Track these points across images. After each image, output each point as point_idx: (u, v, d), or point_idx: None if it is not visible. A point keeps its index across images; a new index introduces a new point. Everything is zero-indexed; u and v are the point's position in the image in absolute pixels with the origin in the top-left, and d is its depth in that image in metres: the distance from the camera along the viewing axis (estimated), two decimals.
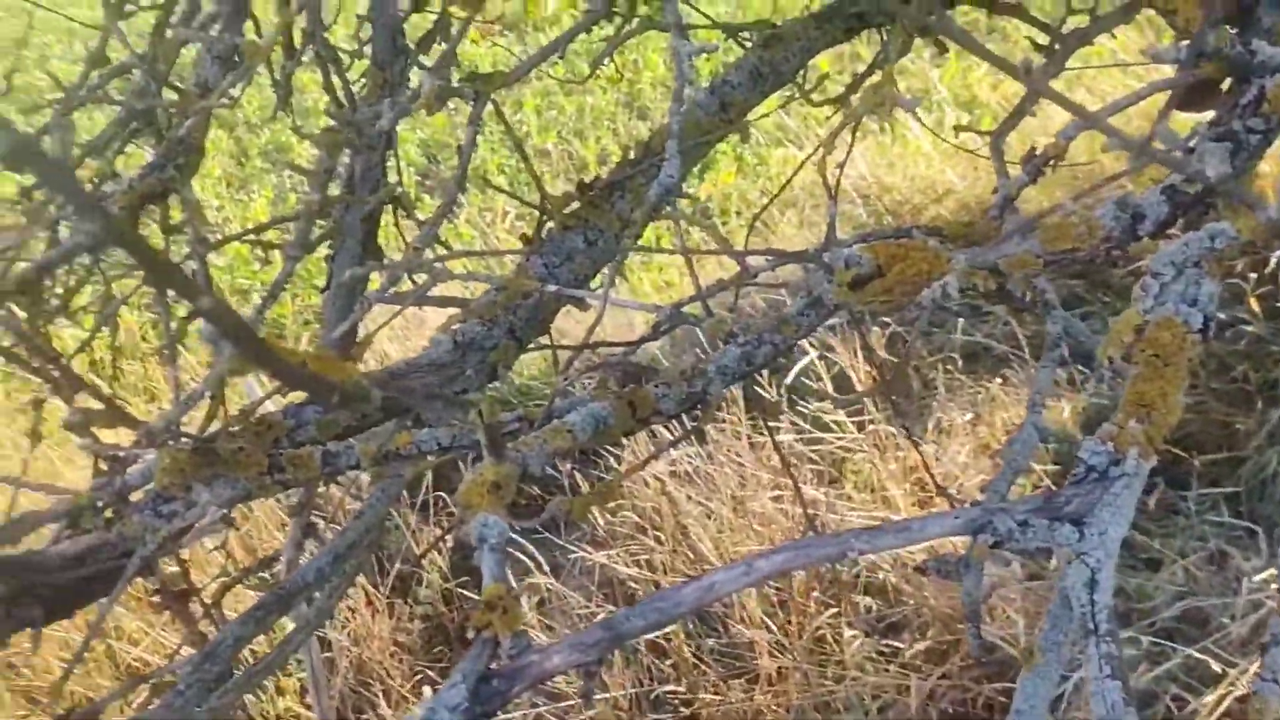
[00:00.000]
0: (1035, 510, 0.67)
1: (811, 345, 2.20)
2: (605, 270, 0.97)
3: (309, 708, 2.14)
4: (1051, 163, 0.78)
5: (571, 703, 1.81)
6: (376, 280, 1.23)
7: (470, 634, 0.61)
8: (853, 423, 2.05)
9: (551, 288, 0.96)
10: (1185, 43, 0.77)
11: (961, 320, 2.71)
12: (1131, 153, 0.58)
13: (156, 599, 1.10)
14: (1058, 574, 0.68)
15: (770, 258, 0.84)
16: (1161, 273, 0.67)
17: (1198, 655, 1.75)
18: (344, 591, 1.00)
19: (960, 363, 2.50)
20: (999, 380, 2.41)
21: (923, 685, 1.57)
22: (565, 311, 1.16)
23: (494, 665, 0.60)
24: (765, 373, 2.23)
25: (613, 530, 2.06)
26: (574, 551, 2.07)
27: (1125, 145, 0.58)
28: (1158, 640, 1.80)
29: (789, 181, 1.11)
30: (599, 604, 2.00)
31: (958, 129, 1.09)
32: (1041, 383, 0.90)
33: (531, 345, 0.99)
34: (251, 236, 1.18)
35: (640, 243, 1.01)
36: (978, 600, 0.68)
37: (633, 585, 1.99)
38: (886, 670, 1.61)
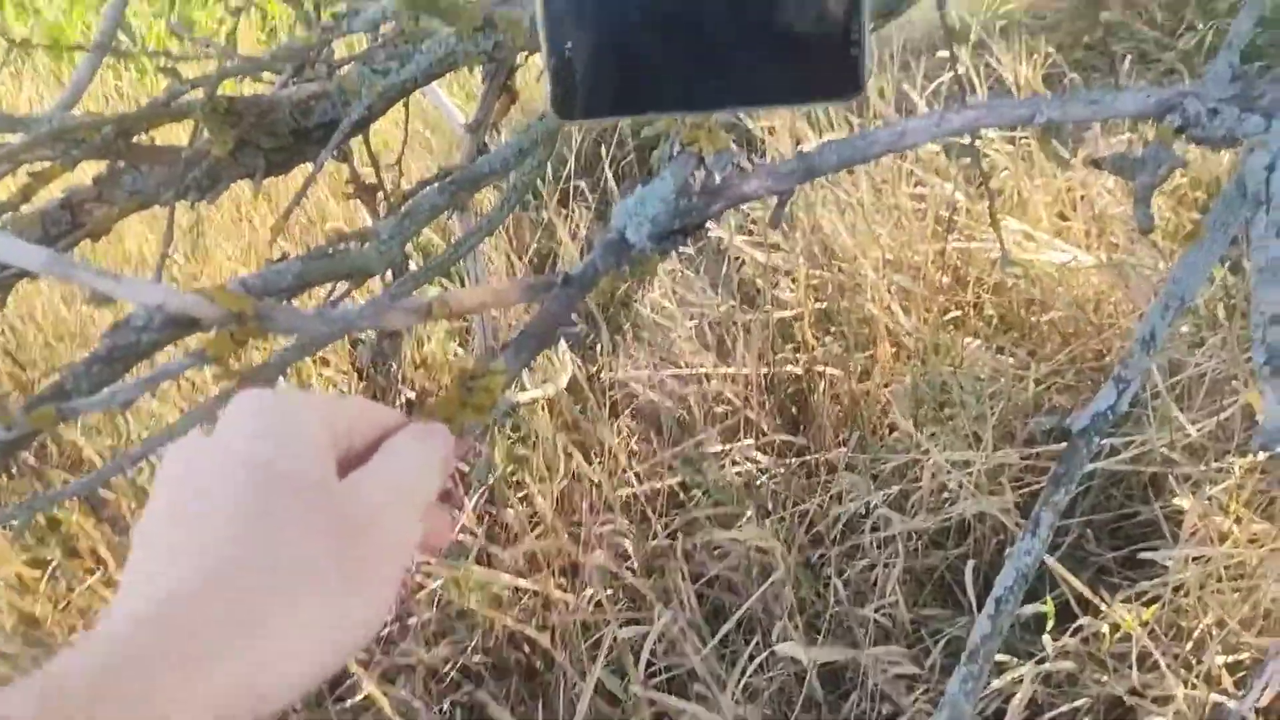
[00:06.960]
0: (1229, 99, 0.68)
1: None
2: None
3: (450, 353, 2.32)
4: None
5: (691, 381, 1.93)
6: None
7: (677, 149, 0.68)
8: (1003, 137, 2.01)
9: None
10: None
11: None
12: None
13: (349, 188, 1.21)
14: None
15: None
16: None
17: None
18: (522, 196, 1.08)
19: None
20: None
21: (1037, 384, 1.63)
22: None
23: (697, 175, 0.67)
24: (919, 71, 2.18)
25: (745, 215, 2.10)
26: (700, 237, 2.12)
27: None
28: None
29: None
30: (723, 298, 2.09)
31: None
32: None
33: None
34: None
35: None
36: (1152, 186, 0.71)
37: (756, 281, 2.05)
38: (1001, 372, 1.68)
